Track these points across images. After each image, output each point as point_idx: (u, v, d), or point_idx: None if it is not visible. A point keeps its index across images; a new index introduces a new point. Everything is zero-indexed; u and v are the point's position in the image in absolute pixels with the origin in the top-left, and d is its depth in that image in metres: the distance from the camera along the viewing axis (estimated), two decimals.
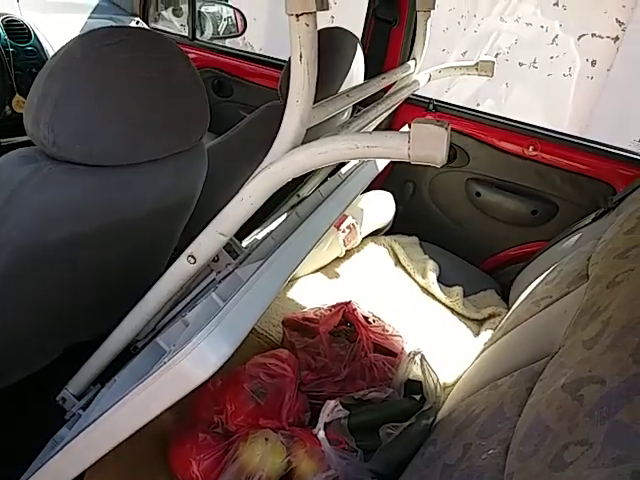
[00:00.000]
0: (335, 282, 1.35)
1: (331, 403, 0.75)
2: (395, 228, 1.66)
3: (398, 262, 1.53)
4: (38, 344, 1.01)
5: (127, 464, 0.79)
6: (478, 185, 1.61)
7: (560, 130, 1.52)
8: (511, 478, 0.52)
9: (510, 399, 0.73)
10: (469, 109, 1.60)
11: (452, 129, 1.65)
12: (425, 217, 1.72)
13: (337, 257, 1.41)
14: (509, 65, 4.08)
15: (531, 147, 1.51)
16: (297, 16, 0.55)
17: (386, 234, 1.64)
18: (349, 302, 1.02)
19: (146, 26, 2.00)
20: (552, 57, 3.99)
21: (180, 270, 0.73)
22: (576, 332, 0.76)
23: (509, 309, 1.44)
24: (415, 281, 1.48)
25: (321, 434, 0.70)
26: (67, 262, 0.87)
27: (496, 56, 4.16)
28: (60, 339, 1.07)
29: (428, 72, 1.36)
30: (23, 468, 0.86)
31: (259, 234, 1.38)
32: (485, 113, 1.57)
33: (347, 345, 0.97)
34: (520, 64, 4.10)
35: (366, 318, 1.01)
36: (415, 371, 0.87)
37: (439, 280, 1.48)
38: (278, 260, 0.74)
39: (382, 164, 1.25)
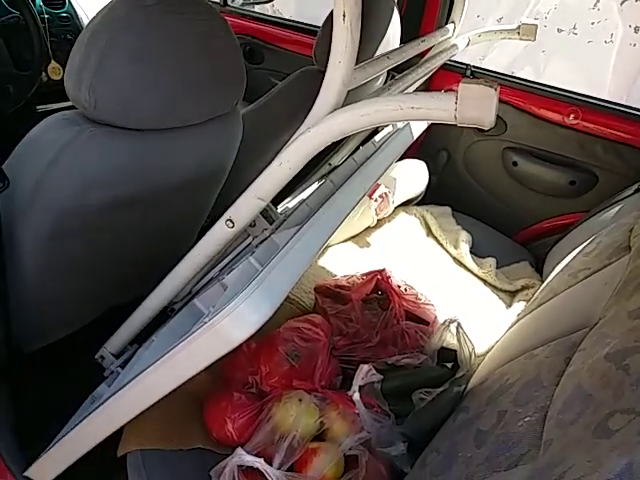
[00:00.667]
0: (366, 251, 1.35)
1: (365, 367, 0.75)
2: (427, 198, 1.63)
3: (430, 232, 1.51)
4: (78, 306, 1.04)
5: (164, 421, 0.82)
6: (515, 154, 1.56)
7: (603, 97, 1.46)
8: (550, 444, 0.52)
9: (547, 369, 0.72)
10: (508, 75, 1.55)
11: None
12: (459, 187, 1.69)
13: (368, 226, 1.40)
14: (548, 31, 3.91)
15: (572, 115, 1.45)
16: None
17: (418, 204, 1.62)
18: (383, 270, 1.01)
19: None
20: (593, 23, 3.80)
21: (218, 234, 0.73)
22: (619, 302, 0.74)
23: (543, 281, 1.41)
24: (447, 252, 1.46)
25: (356, 396, 0.71)
26: (107, 226, 0.88)
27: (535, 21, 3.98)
28: (99, 302, 1.10)
29: (467, 36, 1.32)
30: (62, 423, 0.90)
31: (293, 201, 1.38)
32: (524, 80, 1.52)
33: (379, 312, 0.97)
34: (559, 30, 3.92)
35: (399, 286, 1.01)
36: (449, 339, 0.87)
37: (472, 251, 1.46)
38: (314, 227, 0.73)
39: (417, 131, 1.22)
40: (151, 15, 0.70)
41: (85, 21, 1.66)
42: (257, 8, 2.30)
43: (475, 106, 0.53)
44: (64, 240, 0.84)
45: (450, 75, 1.58)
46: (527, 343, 0.92)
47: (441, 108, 0.54)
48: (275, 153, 1.20)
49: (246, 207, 0.70)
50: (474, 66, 1.55)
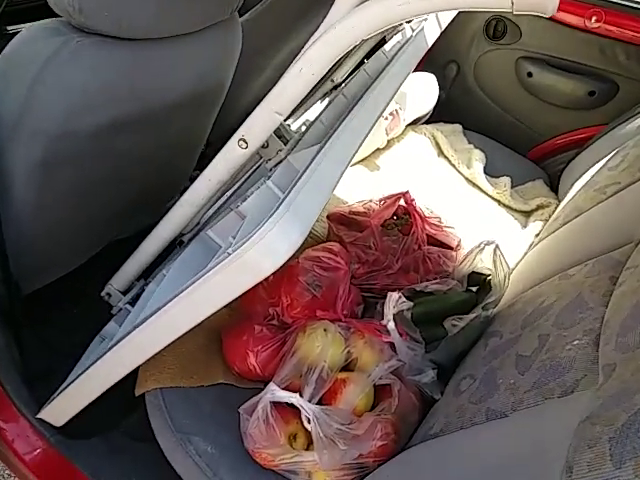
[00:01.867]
0: (376, 175, 1.27)
1: (394, 295, 0.71)
2: (436, 115, 1.53)
3: (441, 152, 1.43)
4: (77, 239, 0.98)
5: (182, 357, 0.78)
6: (530, 64, 1.45)
7: None
8: (613, 369, 0.48)
9: (590, 289, 0.68)
10: None
11: None
12: (469, 102, 1.59)
13: (377, 148, 1.32)
14: None
15: (594, 18, 1.33)
16: None
17: (427, 122, 1.53)
18: (406, 192, 0.95)
19: None
20: None
21: (231, 156, 0.66)
22: None
23: (559, 200, 1.36)
24: (459, 172, 1.40)
25: (391, 325, 0.67)
26: (101, 151, 0.80)
27: None
28: (98, 234, 1.04)
29: None
30: (69, 362, 0.87)
31: (302, 117, 1.28)
32: None
33: (399, 238, 0.92)
34: None
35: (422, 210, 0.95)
36: (479, 263, 0.82)
37: (484, 170, 1.39)
38: (335, 147, 0.66)
39: (432, 39, 1.12)
40: None
41: None
42: None
43: None
44: (56, 168, 0.76)
45: None
46: (557, 263, 0.88)
47: None
48: (280, 64, 1.08)
49: (262, 123, 0.63)
50: None
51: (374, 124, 0.80)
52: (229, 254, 0.53)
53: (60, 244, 0.94)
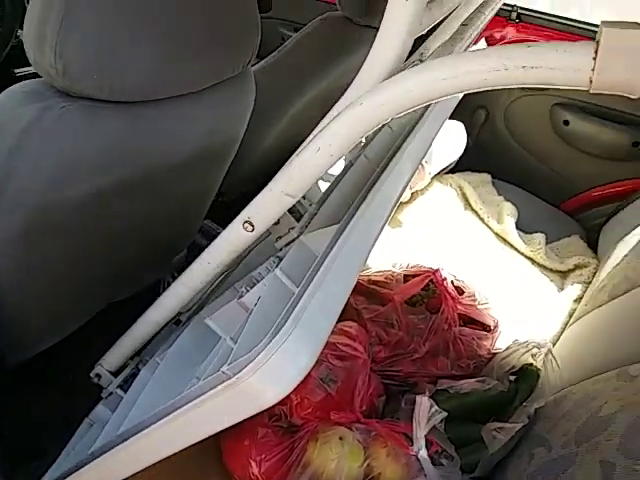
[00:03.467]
0: (399, 232, 1.17)
1: (424, 403, 0.59)
2: (463, 163, 1.43)
3: (468, 205, 1.33)
4: (64, 309, 0.90)
5: (176, 462, 0.67)
6: (566, 111, 1.35)
7: None
8: None
9: None
10: (561, 17, 1.31)
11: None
12: (499, 150, 1.48)
13: (401, 202, 1.22)
14: None
15: None
16: None
17: (453, 171, 1.42)
18: (437, 270, 0.84)
19: None
20: None
21: (234, 239, 0.57)
22: None
23: (599, 260, 1.24)
24: (489, 227, 1.29)
25: (423, 454, 0.56)
26: (92, 220, 0.72)
27: None
28: (89, 303, 0.95)
29: None
30: (55, 442, 0.81)
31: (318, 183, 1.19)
32: (582, 22, 1.29)
33: (427, 316, 0.81)
34: None
35: (457, 288, 0.83)
36: (523, 360, 0.71)
37: (516, 225, 1.28)
38: (358, 226, 0.56)
39: None
40: None
41: None
42: None
43: (624, 63, 0.35)
44: (40, 239, 0.68)
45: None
46: (611, 351, 0.76)
47: (570, 66, 0.36)
48: (292, 116, 0.98)
49: (269, 206, 0.53)
50: (521, 7, 1.31)
51: (402, 192, 0.70)
52: (226, 375, 0.43)
53: (47, 313, 0.86)
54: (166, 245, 1.05)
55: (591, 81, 0.36)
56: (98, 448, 0.62)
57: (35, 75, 0.62)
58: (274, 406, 0.69)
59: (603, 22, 0.35)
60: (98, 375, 0.80)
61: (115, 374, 0.80)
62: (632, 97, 0.36)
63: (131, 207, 0.76)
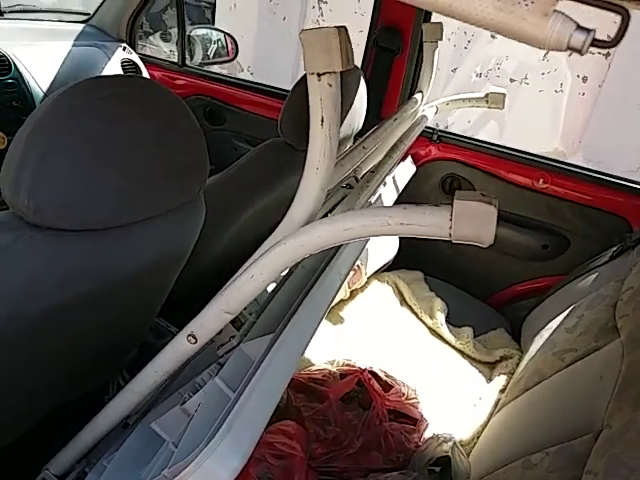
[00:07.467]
0: (339, 328, 1.27)
1: None
2: (398, 262, 1.58)
3: (404, 301, 1.45)
4: (13, 410, 0.91)
5: None
6: None
7: (570, 162, 1.47)
8: None
9: None
10: (474, 139, 1.53)
11: (456, 160, 1.57)
12: (430, 251, 1.64)
13: (341, 299, 1.32)
14: (499, 81, 4.08)
15: (541, 180, 1.44)
16: (319, 75, 0.48)
17: (389, 269, 1.56)
18: (364, 370, 0.93)
19: (133, 52, 1.90)
20: (543, 73, 4.00)
21: (178, 350, 0.64)
22: (623, 410, 0.68)
23: (522, 351, 1.36)
24: (422, 321, 1.40)
25: None
26: (50, 330, 0.77)
27: (487, 72, 4.16)
28: (39, 403, 0.97)
29: (435, 104, 1.30)
30: None
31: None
32: (491, 144, 1.51)
33: (360, 413, 0.88)
34: (511, 80, 4.09)
35: (383, 385, 0.92)
36: (439, 452, 0.79)
37: (447, 319, 1.40)
38: (292, 332, 0.65)
39: (395, 195, 1.17)
40: (101, 108, 0.62)
41: (33, 85, 1.55)
42: (215, 68, 2.25)
43: (472, 224, 0.47)
44: (3, 350, 0.72)
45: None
46: (520, 443, 0.85)
47: (435, 225, 0.48)
48: (240, 226, 1.10)
49: (211, 322, 0.61)
50: (440, 130, 1.53)
51: (335, 296, 0.80)
52: (166, 478, 0.49)
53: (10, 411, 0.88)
54: (118, 348, 1.10)
55: (450, 235, 0.48)
56: None
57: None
58: None
59: (457, 195, 0.48)
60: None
61: (61, 478, 0.82)
62: (482, 246, 0.49)
63: (87, 317, 0.82)
